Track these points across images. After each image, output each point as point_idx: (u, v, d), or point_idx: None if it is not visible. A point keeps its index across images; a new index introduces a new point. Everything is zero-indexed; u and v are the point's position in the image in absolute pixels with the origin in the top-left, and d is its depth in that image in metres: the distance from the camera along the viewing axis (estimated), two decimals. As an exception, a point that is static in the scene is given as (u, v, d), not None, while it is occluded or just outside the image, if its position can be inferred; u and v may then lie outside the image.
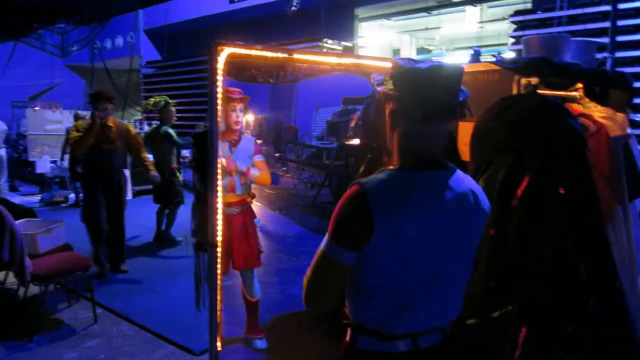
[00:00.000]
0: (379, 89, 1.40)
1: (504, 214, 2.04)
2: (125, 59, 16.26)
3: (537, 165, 2.03)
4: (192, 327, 3.64)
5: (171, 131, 6.03)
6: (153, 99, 6.46)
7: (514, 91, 2.58)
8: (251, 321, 3.60)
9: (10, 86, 16.49)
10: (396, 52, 14.80)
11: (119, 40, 16.52)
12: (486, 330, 1.90)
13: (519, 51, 7.25)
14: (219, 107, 2.21)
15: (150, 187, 6.57)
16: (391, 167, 1.35)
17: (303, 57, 2.44)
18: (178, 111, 6.75)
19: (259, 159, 3.49)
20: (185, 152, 7.84)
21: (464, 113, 1.32)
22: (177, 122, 6.85)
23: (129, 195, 9.83)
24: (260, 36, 12.21)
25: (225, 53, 2.19)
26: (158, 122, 6.31)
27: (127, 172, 5.83)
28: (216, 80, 2.18)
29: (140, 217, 7.05)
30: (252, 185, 3.49)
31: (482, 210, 1.38)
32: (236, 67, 2.58)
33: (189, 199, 6.45)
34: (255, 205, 3.86)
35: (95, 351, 3.55)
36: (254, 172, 3.36)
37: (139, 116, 15.48)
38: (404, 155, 1.35)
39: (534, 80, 2.38)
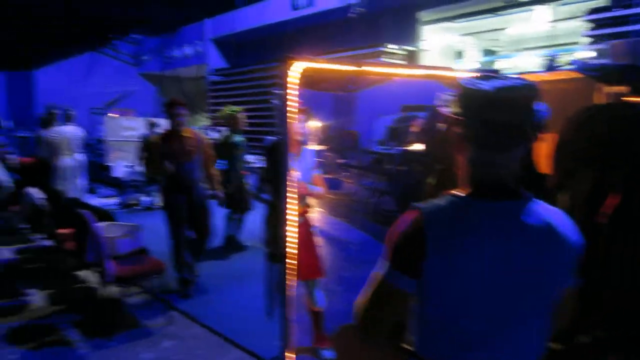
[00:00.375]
0: (444, 110, 1.34)
1: (589, 229, 1.94)
2: (193, 67, 16.95)
3: (623, 178, 1.93)
4: (261, 333, 3.72)
5: (240, 139, 6.22)
6: (225, 110, 6.66)
7: (597, 100, 2.46)
8: (317, 331, 3.63)
9: (89, 94, 17.62)
10: (459, 54, 14.46)
11: (187, 49, 17.23)
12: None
13: (596, 52, 6.87)
14: (292, 121, 2.25)
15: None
16: (455, 192, 1.27)
17: (374, 69, 2.44)
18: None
19: (317, 173, 3.54)
20: (250, 158, 8.04)
21: (537, 136, 1.20)
22: (245, 130, 7.05)
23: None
24: (323, 42, 12.33)
25: (298, 67, 2.24)
26: (226, 129, 6.52)
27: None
28: (288, 95, 2.22)
29: (213, 219, 7.29)
30: None
31: (562, 245, 1.22)
32: (307, 79, 2.62)
33: (256, 204, 6.67)
34: (317, 211, 3.91)
35: (171, 352, 3.71)
36: (317, 190, 3.43)
37: (206, 122, 16.06)
38: (470, 183, 1.25)
39: (620, 89, 2.25)
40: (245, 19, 14.75)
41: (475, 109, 1.21)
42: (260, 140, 11.69)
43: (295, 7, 12.92)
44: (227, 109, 6.58)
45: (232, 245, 6.47)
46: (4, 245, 6.62)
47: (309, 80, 2.67)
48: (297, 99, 2.23)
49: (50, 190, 5.29)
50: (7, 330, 3.98)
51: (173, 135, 4.66)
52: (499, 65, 11.99)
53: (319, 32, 13.37)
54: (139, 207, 9.53)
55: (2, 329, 4.00)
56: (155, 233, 5.29)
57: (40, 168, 5.66)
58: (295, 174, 3.26)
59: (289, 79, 2.21)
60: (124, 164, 10.53)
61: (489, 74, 1.29)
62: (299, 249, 3.38)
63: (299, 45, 12.48)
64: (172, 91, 18.28)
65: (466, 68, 10.00)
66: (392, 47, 10.83)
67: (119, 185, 10.48)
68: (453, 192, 1.27)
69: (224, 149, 6.30)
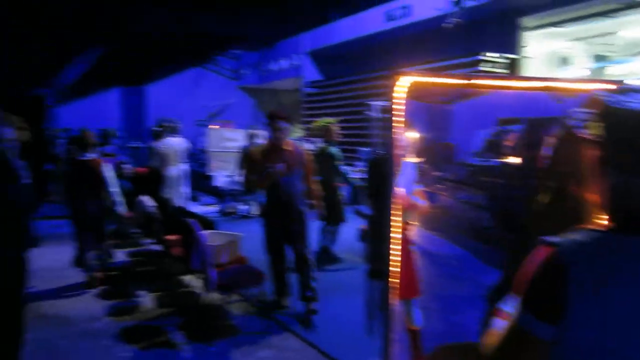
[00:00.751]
0: (579, 131, 1.19)
1: None
2: (289, 80, 17.46)
3: None
4: (358, 349, 3.67)
5: (336, 150, 6.27)
6: (319, 122, 6.75)
7: None
8: (415, 350, 3.52)
9: (194, 107, 18.83)
10: (565, 61, 13.54)
11: (284, 63, 17.80)
12: None
13: None
14: (399, 136, 2.19)
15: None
16: (592, 224, 1.12)
17: (484, 82, 2.32)
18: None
19: (419, 187, 3.42)
20: (345, 169, 8.09)
21: None
22: (338, 141, 7.12)
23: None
24: (418, 52, 12.14)
25: (405, 81, 2.18)
26: (321, 141, 6.62)
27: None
28: (395, 110, 2.17)
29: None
30: None
31: None
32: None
33: (350, 216, 6.68)
34: (415, 226, 3.79)
35: (268, 362, 3.78)
36: (422, 204, 3.31)
37: (300, 134, 16.44)
38: (613, 215, 1.10)
39: None
40: (340, 32, 14.94)
41: (623, 131, 1.07)
42: (354, 151, 11.75)
43: (390, 19, 12.85)
44: (322, 121, 6.66)
45: (327, 257, 6.50)
46: (118, 248, 7.21)
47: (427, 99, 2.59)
48: (403, 113, 2.17)
49: (160, 199, 5.65)
50: (121, 330, 4.29)
51: (273, 147, 4.56)
52: (612, 71, 11.04)
53: (415, 42, 13.17)
54: (236, 215, 9.93)
55: (117, 328, 4.32)
56: (254, 241, 5.45)
57: (152, 177, 6.08)
58: (399, 189, 3.19)
59: (395, 94, 2.16)
60: (224, 173, 11.05)
61: (628, 88, 1.15)
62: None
63: (393, 56, 12.37)
64: (269, 103, 18.96)
65: (577, 76, 9.30)
66: (491, 56, 10.38)
67: (219, 194, 11.01)
68: (589, 225, 1.13)
69: (319, 159, 6.38)
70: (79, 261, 5.51)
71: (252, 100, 20.13)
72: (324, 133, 6.50)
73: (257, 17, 16.01)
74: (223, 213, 10.00)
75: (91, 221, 5.22)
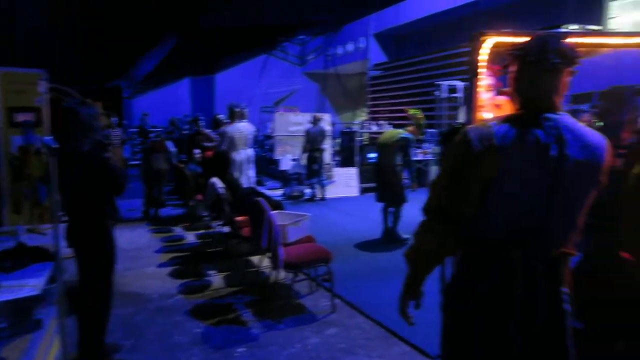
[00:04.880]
0: None
1: None
2: (354, 63, 17.24)
3: None
4: (427, 329, 3.52)
5: (408, 135, 6.28)
6: (410, 111, 6.76)
7: None
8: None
9: (259, 93, 19.11)
10: (657, 32, 12.36)
11: (350, 46, 17.58)
12: None
13: None
14: (481, 101, 2.02)
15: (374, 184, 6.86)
16: None
17: (580, 39, 2.08)
18: (403, 111, 7.06)
19: None
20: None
21: None
22: (403, 122, 7.02)
23: (356, 192, 10.36)
24: (491, 29, 11.53)
25: (488, 43, 2.01)
26: (387, 124, 6.57)
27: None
28: (478, 73, 2.00)
29: (370, 212, 7.31)
30: None
31: None
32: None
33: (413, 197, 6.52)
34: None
35: (336, 339, 3.73)
36: None
37: (364, 117, 16.22)
38: None
39: None
40: (408, 12, 14.50)
41: None
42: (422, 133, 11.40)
43: (460, -6, 12.29)
44: (412, 110, 6.67)
45: (392, 238, 6.42)
46: (190, 230, 7.44)
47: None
48: (486, 76, 1.99)
49: (229, 181, 5.73)
50: (193, 307, 4.40)
51: None
52: None
53: (486, 17, 12.53)
54: (302, 199, 9.97)
55: (189, 305, 4.44)
56: (319, 222, 5.42)
57: (221, 160, 6.18)
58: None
59: (480, 57, 2.00)
60: (289, 157, 11.11)
61: None
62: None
63: (463, 34, 11.87)
64: (334, 88, 18.86)
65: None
66: (573, 28, 9.65)
67: (284, 178, 11.09)
68: None
69: (387, 144, 6.39)
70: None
71: (317, 86, 20.11)
72: (415, 122, 6.49)
73: (323, 1, 15.87)
74: (289, 197, 10.08)
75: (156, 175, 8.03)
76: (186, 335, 3.83)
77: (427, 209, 1.64)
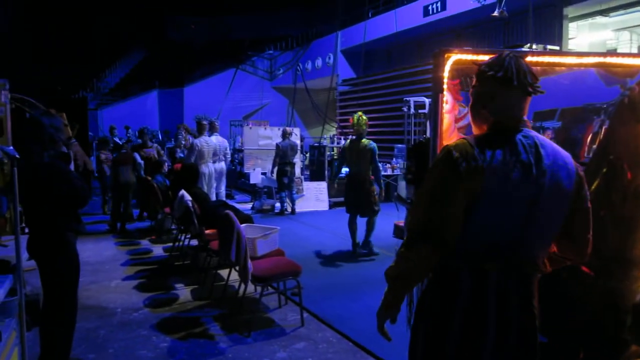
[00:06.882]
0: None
1: None
2: (323, 78, 17.43)
3: None
4: (395, 343, 3.56)
5: (373, 144, 6.30)
6: (354, 116, 6.75)
7: None
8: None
9: (229, 107, 19.06)
10: (612, 51, 12.99)
11: (319, 62, 17.78)
12: None
13: None
14: (445, 116, 2.09)
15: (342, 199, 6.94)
16: None
17: (540, 59, 2.19)
18: (371, 126, 7.14)
19: None
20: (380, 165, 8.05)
21: None
22: (372, 137, 7.13)
23: (326, 206, 10.40)
24: (456, 47, 11.89)
25: (450, 60, 2.09)
26: (354, 136, 6.64)
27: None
28: (442, 89, 2.08)
29: (340, 226, 7.36)
30: None
31: None
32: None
33: (384, 209, 6.59)
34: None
35: (303, 354, 3.72)
36: None
37: (334, 131, 16.37)
38: None
39: None
40: (376, 28, 14.80)
41: None
42: (390, 148, 11.56)
43: (427, 13, 12.63)
44: (355, 116, 6.68)
45: (365, 247, 6.52)
46: (158, 243, 7.32)
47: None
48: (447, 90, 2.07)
49: (197, 194, 5.69)
50: (159, 321, 4.32)
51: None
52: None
53: (451, 36, 12.92)
54: (271, 212, 9.95)
55: (155, 319, 4.36)
56: (289, 236, 5.43)
57: (189, 172, 6.14)
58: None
59: (443, 74, 2.07)
60: (260, 171, 11.10)
61: None
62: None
63: (429, 52, 12.19)
64: (302, 102, 19.00)
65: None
66: (536, 48, 10.03)
67: (254, 192, 11.06)
68: None
69: (351, 152, 6.46)
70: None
71: (286, 100, 20.20)
72: (357, 128, 6.51)
73: (292, 18, 16.06)
74: (258, 210, 10.04)
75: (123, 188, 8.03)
76: (151, 350, 3.75)
77: (410, 229, 1.63)
